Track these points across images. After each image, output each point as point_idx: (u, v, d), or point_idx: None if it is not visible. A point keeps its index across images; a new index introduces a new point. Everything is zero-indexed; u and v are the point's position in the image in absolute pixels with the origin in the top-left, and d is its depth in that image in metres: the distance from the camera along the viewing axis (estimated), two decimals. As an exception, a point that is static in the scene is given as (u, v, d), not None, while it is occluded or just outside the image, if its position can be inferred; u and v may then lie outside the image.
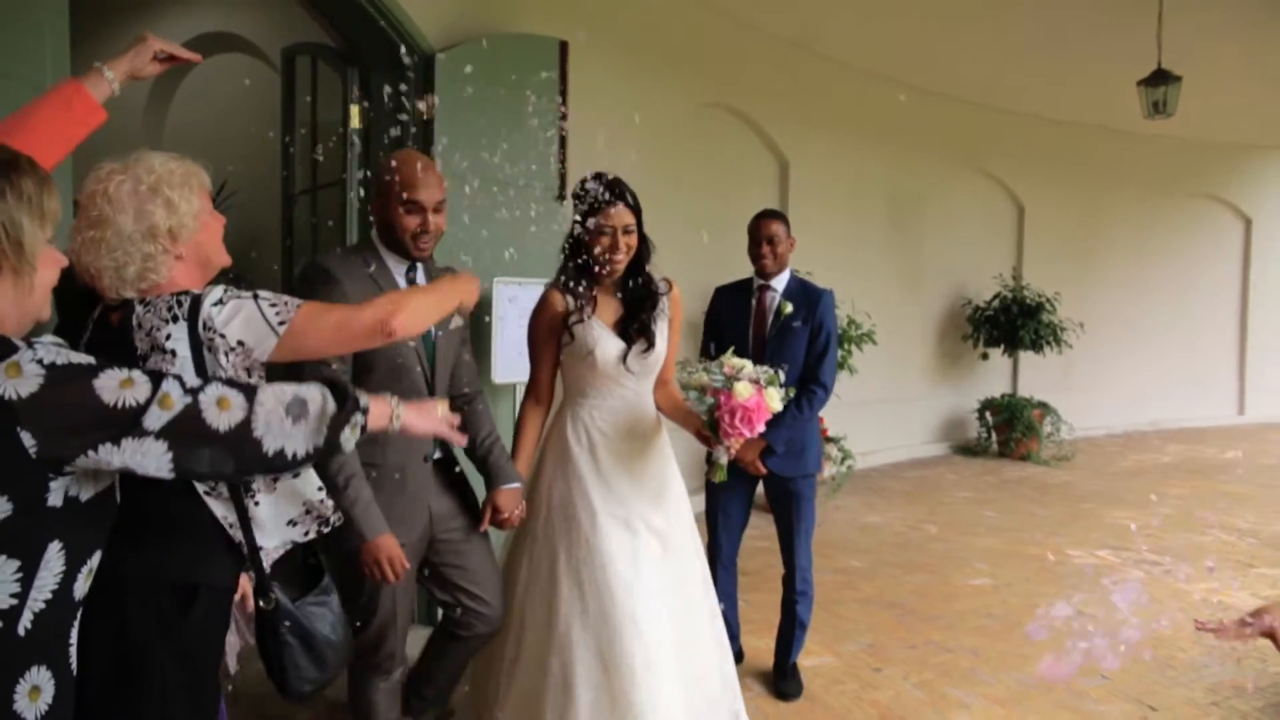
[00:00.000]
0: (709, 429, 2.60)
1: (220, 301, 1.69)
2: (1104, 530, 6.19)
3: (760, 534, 4.91)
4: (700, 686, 2.61)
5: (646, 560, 2.55)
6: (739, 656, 3.65)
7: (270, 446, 1.40)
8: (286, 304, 1.72)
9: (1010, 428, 8.99)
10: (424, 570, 2.66)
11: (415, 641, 2.96)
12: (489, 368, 4.05)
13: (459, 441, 1.90)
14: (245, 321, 1.69)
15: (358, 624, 2.48)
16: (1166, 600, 4.71)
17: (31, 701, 1.27)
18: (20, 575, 1.26)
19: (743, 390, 2.50)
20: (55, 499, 1.28)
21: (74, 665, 1.39)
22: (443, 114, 3.94)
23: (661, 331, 2.71)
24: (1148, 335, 11.00)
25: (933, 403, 9.36)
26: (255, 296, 1.73)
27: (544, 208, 4.21)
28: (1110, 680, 3.68)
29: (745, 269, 3.59)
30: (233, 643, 2.02)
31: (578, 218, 2.61)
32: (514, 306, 4.06)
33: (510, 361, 4.07)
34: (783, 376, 2.61)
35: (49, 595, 1.29)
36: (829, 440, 6.65)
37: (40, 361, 1.22)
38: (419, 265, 2.52)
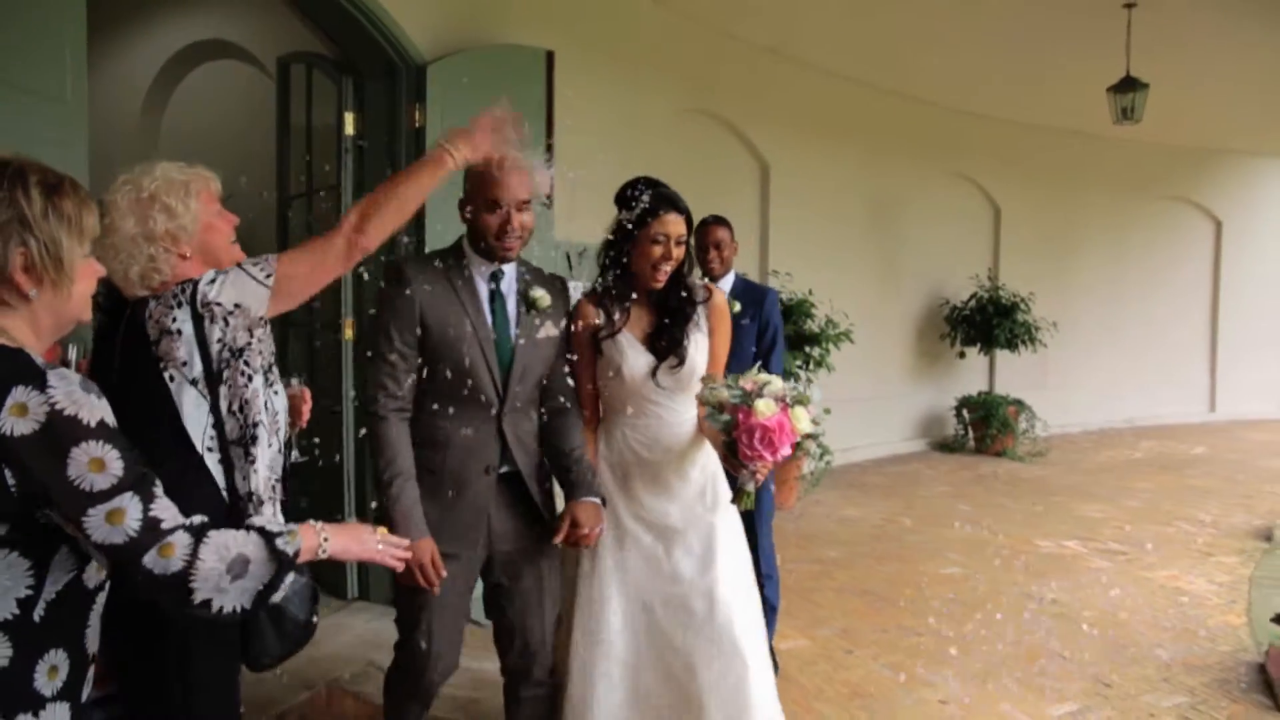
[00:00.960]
0: (727, 450, 2.38)
1: (213, 280, 1.87)
2: (1073, 522, 6.41)
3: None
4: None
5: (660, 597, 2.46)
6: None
7: (199, 598, 1.40)
8: (268, 259, 1.90)
9: (986, 425, 9.23)
10: (485, 596, 2.55)
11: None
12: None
13: (396, 567, 1.79)
14: (234, 285, 1.87)
15: (398, 639, 2.47)
16: (1128, 586, 4.93)
17: (49, 679, 1.39)
18: (33, 572, 1.37)
19: (764, 408, 2.28)
20: (53, 520, 1.35)
21: (91, 645, 1.50)
22: (434, 122, 4.12)
23: (697, 344, 2.56)
24: (1121, 334, 11.25)
25: (911, 400, 9.58)
26: (239, 265, 1.92)
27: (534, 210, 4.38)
28: (1069, 659, 3.89)
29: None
30: None
31: (626, 224, 2.49)
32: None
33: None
34: (816, 394, 2.41)
35: (61, 587, 1.40)
36: (808, 437, 6.84)
37: (51, 406, 1.30)
38: (506, 268, 2.41)
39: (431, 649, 2.40)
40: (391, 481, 2.26)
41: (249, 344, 1.92)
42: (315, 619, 2.07)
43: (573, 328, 2.55)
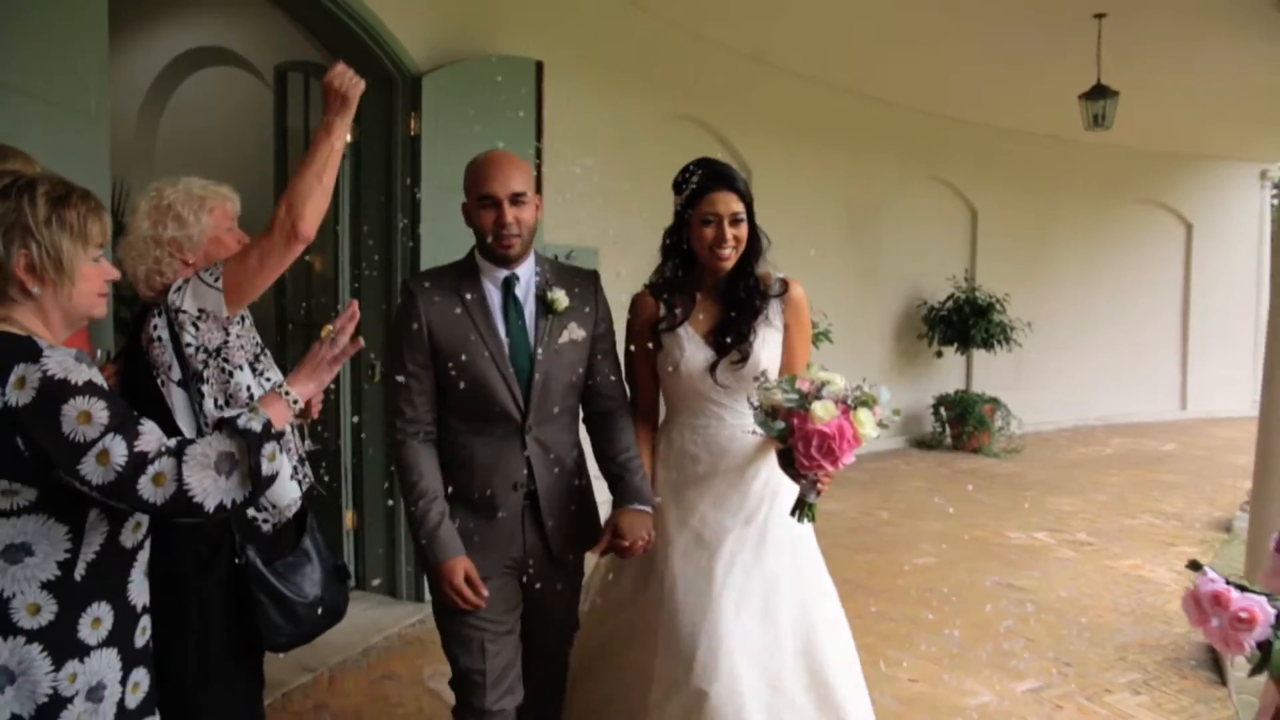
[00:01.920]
0: (782, 461, 2.18)
1: (178, 289, 2.06)
2: (1043, 515, 6.65)
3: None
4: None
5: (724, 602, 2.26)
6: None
7: (210, 505, 1.52)
8: (218, 265, 2.08)
9: (963, 422, 9.47)
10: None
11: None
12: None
13: (343, 355, 1.75)
14: (194, 293, 2.06)
15: (451, 674, 2.32)
16: (1092, 575, 5.16)
17: (94, 630, 1.58)
18: (70, 535, 1.54)
19: (822, 412, 2.06)
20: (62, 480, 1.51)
21: (136, 598, 1.68)
22: (428, 131, 4.29)
23: (767, 340, 2.37)
24: (1095, 334, 11.52)
25: (890, 399, 9.81)
26: (196, 274, 2.09)
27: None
28: (1033, 641, 4.11)
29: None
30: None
31: (679, 209, 2.36)
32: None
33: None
34: (884, 395, 2.16)
35: (98, 548, 1.58)
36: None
37: (43, 373, 1.48)
38: (520, 271, 2.27)
39: (486, 674, 2.23)
40: (415, 503, 2.18)
41: (225, 342, 2.09)
42: (342, 600, 2.23)
43: (630, 323, 2.44)
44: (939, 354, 9.83)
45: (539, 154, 4.69)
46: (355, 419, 4.52)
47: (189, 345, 2.05)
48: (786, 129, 8.15)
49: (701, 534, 2.34)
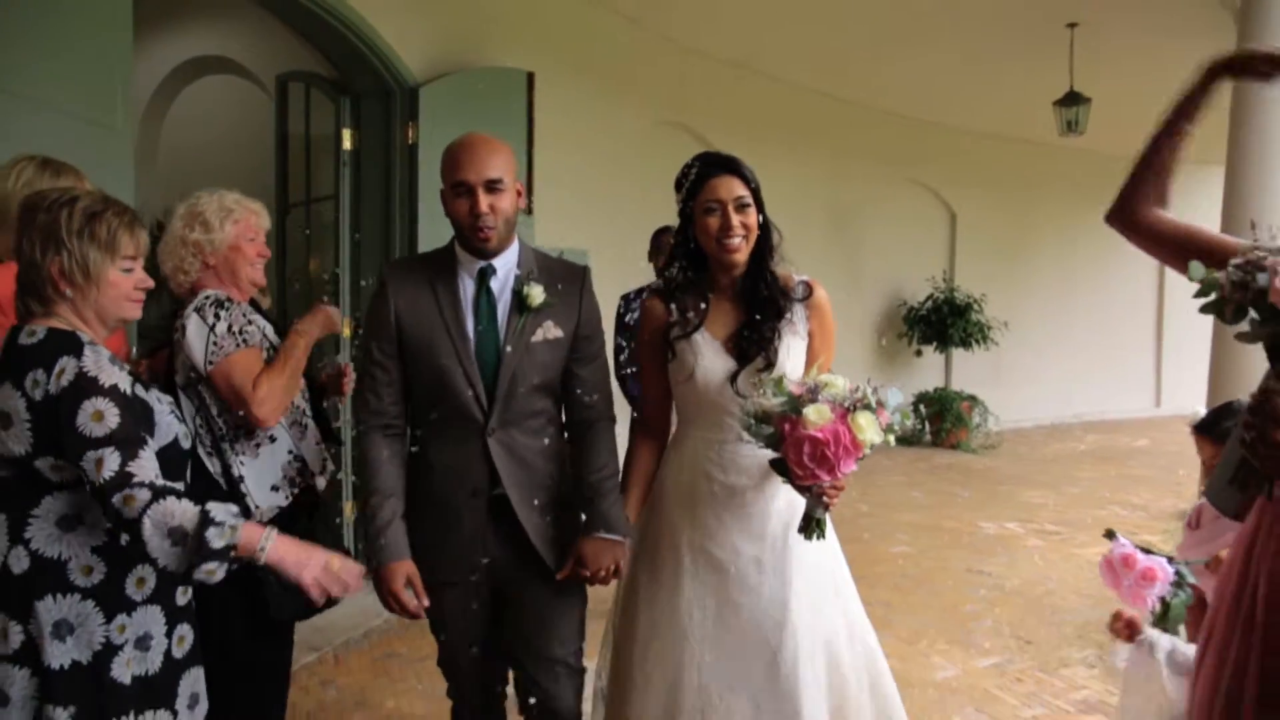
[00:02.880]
0: (778, 470, 1.97)
1: (199, 309, 2.29)
2: (1015, 507, 6.91)
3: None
4: None
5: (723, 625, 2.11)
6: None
7: (146, 547, 1.64)
8: (220, 346, 2.26)
9: (942, 419, 9.74)
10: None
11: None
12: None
13: (323, 594, 1.74)
14: (195, 330, 2.27)
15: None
16: (1058, 561, 5.42)
17: (139, 588, 1.78)
18: None
19: (814, 415, 1.88)
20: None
21: None
22: (425, 139, 4.52)
23: (791, 348, 2.15)
24: (1072, 333, 11.82)
25: (901, 401, 10.10)
26: (212, 328, 2.26)
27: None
28: (997, 621, 4.36)
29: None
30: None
31: (679, 206, 2.20)
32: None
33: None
34: (894, 397, 1.99)
35: None
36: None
37: (80, 369, 1.70)
38: (498, 263, 2.13)
39: (459, 683, 2.23)
40: (368, 500, 2.10)
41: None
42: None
43: (639, 332, 2.30)
44: (918, 353, 10.11)
45: (530, 160, 4.92)
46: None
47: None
48: (769, 133, 8.39)
49: (716, 557, 2.14)
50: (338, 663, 3.81)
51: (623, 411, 2.57)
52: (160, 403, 1.87)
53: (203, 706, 1.94)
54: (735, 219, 2.10)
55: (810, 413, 1.88)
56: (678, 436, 2.28)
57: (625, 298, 3.84)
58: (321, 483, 2.50)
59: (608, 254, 5.19)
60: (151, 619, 1.82)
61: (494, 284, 2.13)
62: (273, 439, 2.37)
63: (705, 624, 2.11)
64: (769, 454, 1.98)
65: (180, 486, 1.75)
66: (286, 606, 2.26)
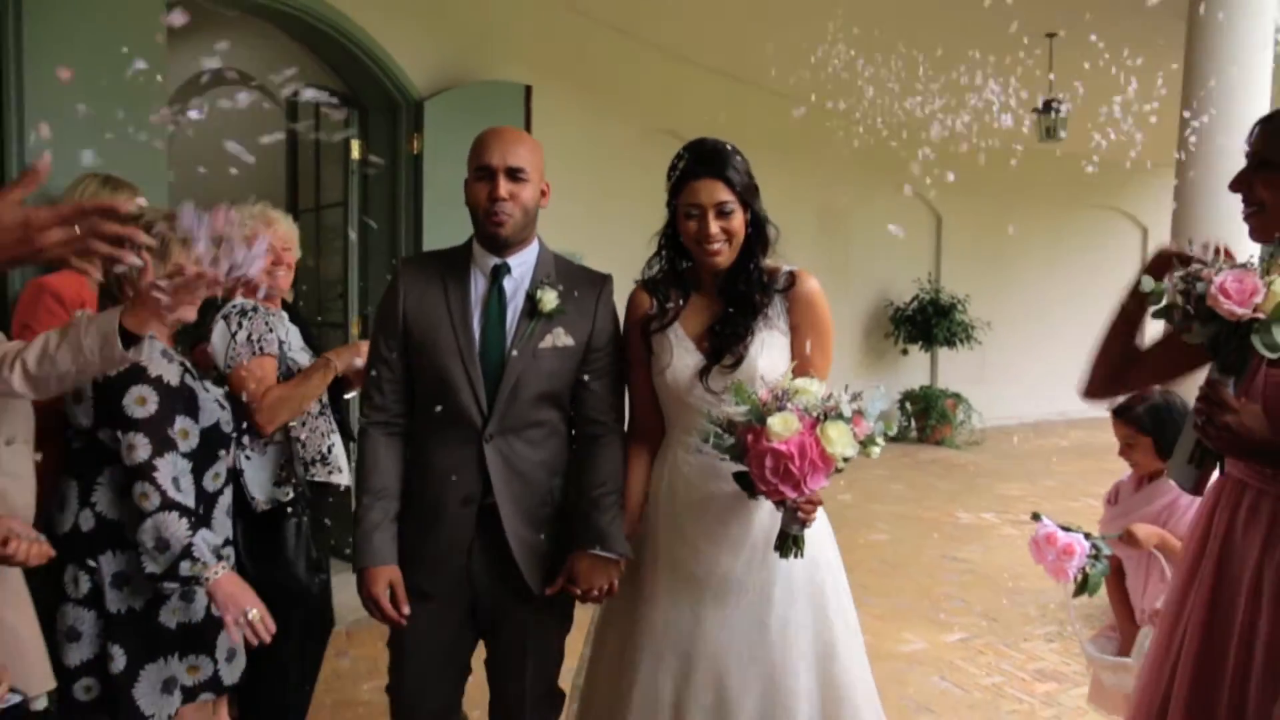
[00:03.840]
0: (742, 484, 1.85)
1: (225, 316, 2.59)
2: (992, 499, 7.22)
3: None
4: None
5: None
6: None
7: (139, 537, 1.95)
8: (238, 353, 2.53)
9: (927, 416, 10.05)
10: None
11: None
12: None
13: (235, 638, 1.97)
14: (220, 334, 2.57)
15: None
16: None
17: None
18: None
19: (779, 426, 1.74)
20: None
21: (219, 529, 2.18)
22: (429, 149, 4.81)
23: (766, 344, 2.03)
24: (1056, 332, 12.09)
25: (883, 408, 10.39)
26: (233, 335, 2.55)
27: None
28: (966, 602, 4.66)
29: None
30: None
31: (667, 198, 2.10)
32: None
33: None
34: (874, 404, 1.86)
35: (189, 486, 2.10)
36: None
37: (163, 351, 2.05)
38: (514, 262, 2.06)
39: (402, 698, 2.11)
40: (360, 499, 2.04)
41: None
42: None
43: (625, 326, 2.17)
44: (904, 351, 10.41)
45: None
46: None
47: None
48: (758, 140, 8.53)
49: (694, 571, 2.04)
50: (349, 637, 4.09)
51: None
52: (207, 391, 2.17)
53: (240, 662, 2.23)
54: (715, 225, 2.00)
55: (775, 423, 1.75)
56: (666, 439, 2.16)
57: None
58: (343, 479, 2.75)
59: (599, 257, 5.42)
60: None
61: (508, 284, 2.06)
62: (283, 436, 2.63)
63: (680, 640, 2.02)
64: (735, 466, 1.86)
65: (189, 503, 2.02)
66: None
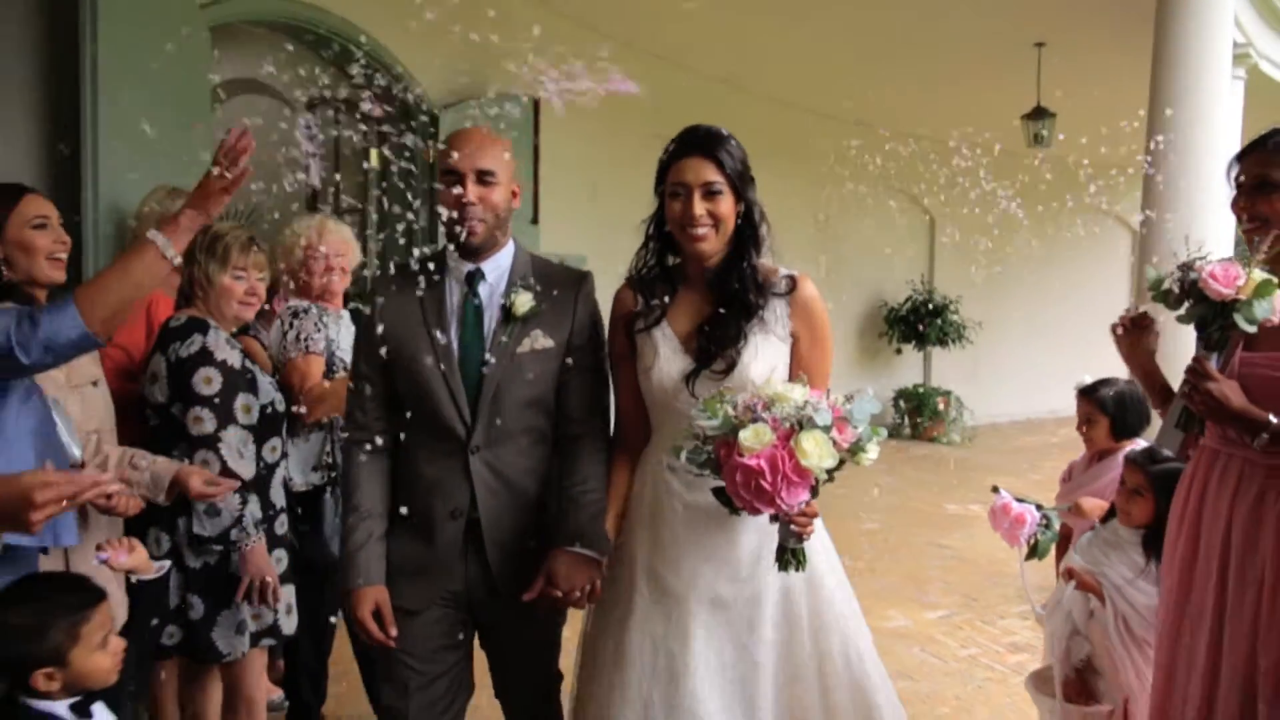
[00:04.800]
0: (721, 500, 1.75)
1: (280, 316, 2.96)
2: (980, 491, 7.45)
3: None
4: None
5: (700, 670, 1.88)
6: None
7: (195, 505, 2.28)
8: (286, 350, 2.89)
9: (920, 413, 10.35)
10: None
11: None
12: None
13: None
14: (273, 337, 2.95)
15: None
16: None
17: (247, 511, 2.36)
18: None
19: (751, 439, 1.64)
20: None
21: (275, 498, 2.51)
22: (444, 158, 5.11)
23: (761, 349, 1.92)
24: (1047, 332, 12.41)
25: (872, 411, 10.70)
26: (284, 334, 2.89)
27: (519, 228, 5.44)
28: (949, 584, 4.96)
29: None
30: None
31: (655, 187, 2.01)
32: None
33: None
34: (861, 408, 1.72)
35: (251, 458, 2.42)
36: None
37: (204, 343, 2.33)
38: (487, 267, 2.00)
39: (409, 716, 1.99)
40: (346, 518, 1.99)
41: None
42: None
43: (610, 326, 2.08)
44: (898, 351, 10.72)
45: (536, 174, 5.53)
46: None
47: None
48: (755, 146, 8.64)
49: (671, 585, 1.93)
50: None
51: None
52: (264, 375, 2.49)
53: (294, 619, 2.53)
54: (700, 206, 1.88)
55: (746, 436, 1.64)
56: (649, 444, 2.05)
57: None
58: None
59: (604, 259, 5.74)
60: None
61: (483, 290, 1.99)
62: (324, 425, 2.91)
63: (657, 660, 1.90)
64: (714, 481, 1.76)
65: (247, 475, 2.34)
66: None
